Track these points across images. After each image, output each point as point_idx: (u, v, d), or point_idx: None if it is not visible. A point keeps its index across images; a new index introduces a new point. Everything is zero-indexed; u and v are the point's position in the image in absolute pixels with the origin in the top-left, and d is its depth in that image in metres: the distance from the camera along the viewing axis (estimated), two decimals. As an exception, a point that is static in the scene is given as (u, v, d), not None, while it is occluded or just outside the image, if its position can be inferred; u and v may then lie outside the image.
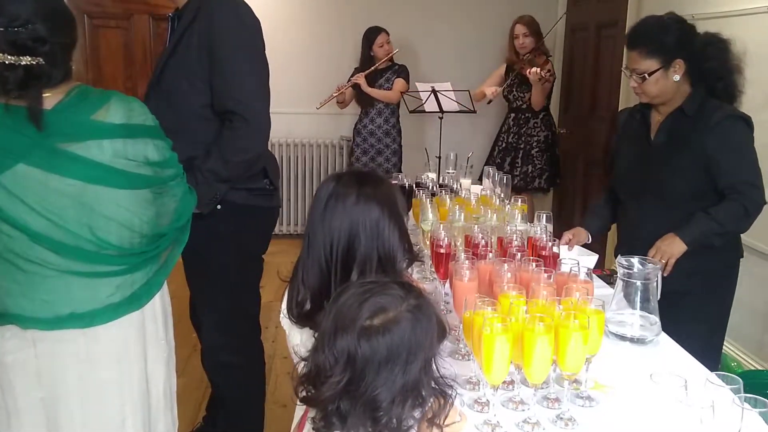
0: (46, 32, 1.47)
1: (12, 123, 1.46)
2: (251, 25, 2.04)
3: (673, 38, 2.07)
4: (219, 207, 2.06)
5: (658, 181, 2.15)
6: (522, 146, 4.44)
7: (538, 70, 4.15)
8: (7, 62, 1.44)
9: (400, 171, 4.19)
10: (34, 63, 1.46)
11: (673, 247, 2.01)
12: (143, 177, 1.61)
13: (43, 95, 1.49)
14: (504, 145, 4.51)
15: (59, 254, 1.51)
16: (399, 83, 4.54)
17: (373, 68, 4.53)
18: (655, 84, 2.08)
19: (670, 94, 2.11)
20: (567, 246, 2.18)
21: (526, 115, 4.43)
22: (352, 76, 4.63)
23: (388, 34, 4.56)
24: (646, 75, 2.07)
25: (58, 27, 1.52)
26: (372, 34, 4.55)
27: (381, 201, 1.32)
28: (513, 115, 4.49)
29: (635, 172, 2.24)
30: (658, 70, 2.06)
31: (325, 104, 4.57)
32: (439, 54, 5.17)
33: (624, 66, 2.19)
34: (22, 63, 1.45)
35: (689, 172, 2.08)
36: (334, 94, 4.56)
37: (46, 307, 1.52)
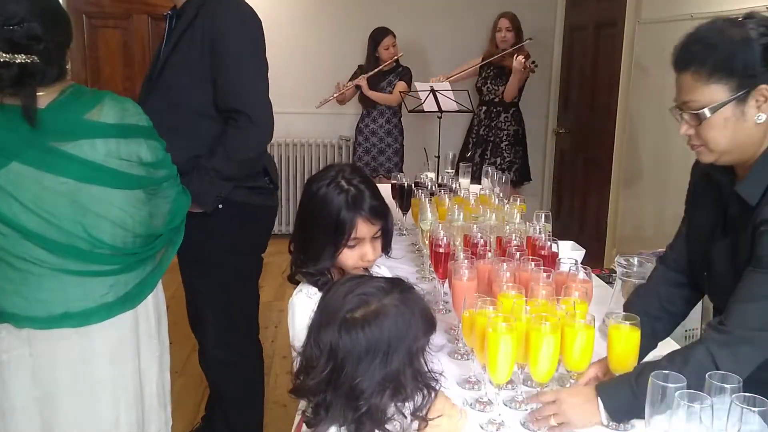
0: (41, 31, 1.47)
1: (6, 121, 1.47)
2: (253, 23, 2.05)
3: (757, 49, 1.20)
4: (220, 206, 2.06)
5: (719, 282, 1.39)
6: (492, 139, 4.52)
7: (523, 59, 4.22)
8: (1, 60, 1.45)
9: (401, 170, 4.20)
10: (29, 61, 1.46)
11: (576, 414, 1.25)
12: (136, 177, 1.61)
13: (37, 94, 1.49)
14: (476, 138, 4.59)
15: (53, 252, 1.51)
16: (400, 86, 4.53)
17: (376, 71, 4.52)
18: (722, 128, 1.24)
19: (750, 148, 1.26)
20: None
21: (498, 108, 4.51)
22: (355, 73, 4.62)
23: (395, 36, 4.53)
24: (705, 111, 1.23)
25: (54, 26, 1.52)
26: (379, 35, 4.52)
27: None
28: (484, 108, 4.57)
29: (695, 255, 1.47)
30: (728, 102, 1.22)
31: (325, 104, 4.57)
32: (442, 54, 5.15)
33: (674, 105, 1.31)
34: (16, 61, 1.45)
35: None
36: (335, 95, 4.55)
37: (40, 306, 1.52)
